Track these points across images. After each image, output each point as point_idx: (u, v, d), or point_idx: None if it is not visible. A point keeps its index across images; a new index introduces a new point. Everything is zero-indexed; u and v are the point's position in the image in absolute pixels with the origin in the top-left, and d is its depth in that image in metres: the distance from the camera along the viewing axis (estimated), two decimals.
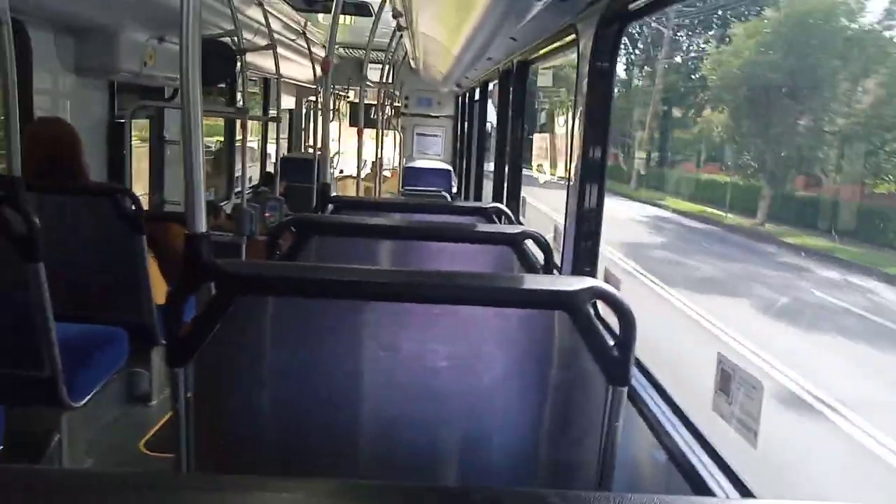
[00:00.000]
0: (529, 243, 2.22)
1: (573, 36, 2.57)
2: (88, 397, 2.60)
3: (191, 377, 1.32)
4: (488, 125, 7.21)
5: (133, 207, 2.96)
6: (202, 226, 1.33)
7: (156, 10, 3.68)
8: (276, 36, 5.55)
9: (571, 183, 2.61)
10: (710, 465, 1.60)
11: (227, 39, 4.71)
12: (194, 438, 1.36)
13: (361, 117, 5.22)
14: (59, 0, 3.36)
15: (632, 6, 2.10)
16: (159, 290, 3.18)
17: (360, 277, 1.41)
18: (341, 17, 6.27)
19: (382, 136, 7.45)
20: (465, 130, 8.38)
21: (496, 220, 2.72)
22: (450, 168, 9.22)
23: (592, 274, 2.55)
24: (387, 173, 10.59)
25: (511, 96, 4.45)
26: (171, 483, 0.76)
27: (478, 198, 6.96)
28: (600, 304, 1.40)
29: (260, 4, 5.00)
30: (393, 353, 1.41)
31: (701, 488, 1.57)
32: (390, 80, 8.09)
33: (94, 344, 2.73)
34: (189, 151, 1.32)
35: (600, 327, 1.35)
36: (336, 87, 10.29)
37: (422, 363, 1.40)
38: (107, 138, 4.31)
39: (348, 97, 11.34)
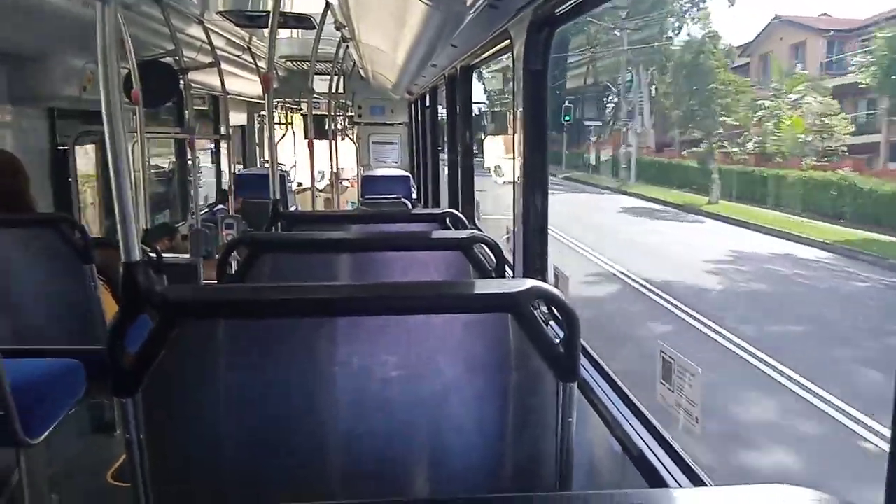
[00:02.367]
0: (481, 248, 2.26)
1: (508, 41, 2.62)
2: (46, 433, 2.54)
3: (139, 408, 1.32)
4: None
5: (79, 236, 2.90)
6: (136, 253, 1.33)
7: (88, 33, 3.62)
8: (220, 53, 5.50)
9: (517, 184, 2.66)
10: (661, 454, 1.66)
11: (168, 60, 4.65)
12: (151, 467, 1.35)
13: (311, 129, 5.21)
14: None
15: (558, 11, 2.17)
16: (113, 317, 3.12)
17: (304, 295, 1.42)
18: (287, 30, 6.26)
19: (336, 146, 7.43)
20: (420, 136, 8.41)
21: (451, 225, 2.76)
22: (408, 174, 9.24)
23: (542, 272, 2.60)
24: (347, 183, 10.56)
25: (458, 101, 4.50)
26: None
27: (436, 202, 7.00)
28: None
29: (201, 23, 4.95)
30: (347, 368, 1.42)
31: (653, 477, 1.62)
32: (341, 90, 8.06)
33: (48, 378, 2.67)
34: (117, 178, 1.32)
35: (544, 326, 1.39)
36: (287, 100, 10.23)
37: (376, 376, 1.42)
38: (50, 166, 4.22)
39: (301, 109, 11.27)
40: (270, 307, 1.38)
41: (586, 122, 23.34)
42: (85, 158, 4.92)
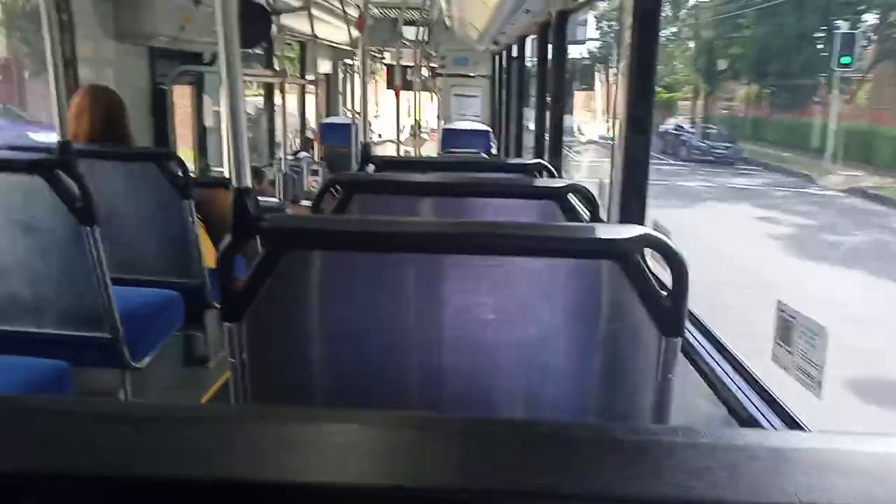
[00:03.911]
0: (575, 198, 2.17)
1: None
2: (149, 358, 2.68)
3: (244, 333, 1.34)
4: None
5: (180, 172, 2.99)
6: (248, 180, 1.33)
7: None
8: None
9: (619, 131, 2.53)
10: (771, 416, 1.56)
11: (262, 1, 4.68)
12: (252, 392, 1.38)
13: (398, 78, 5.17)
14: None
15: None
16: (208, 254, 3.24)
17: (405, 229, 1.40)
18: None
19: (419, 97, 7.37)
20: (504, 89, 8.23)
21: (539, 176, 2.67)
22: (489, 129, 9.11)
23: (641, 224, 2.49)
24: (425, 136, 10.54)
25: (551, 50, 4.32)
26: (230, 414, 0.77)
27: (518, 157, 6.88)
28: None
29: None
30: (440, 306, 1.40)
31: None
32: (426, 40, 7.96)
33: (150, 306, 2.80)
34: (233, 113, 1.32)
35: (651, 277, 1.31)
36: (371, 48, 10.21)
37: (468, 316, 1.39)
38: (150, 105, 4.37)
39: (384, 59, 11.23)
40: (373, 240, 1.37)
41: None
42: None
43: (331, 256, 1.39)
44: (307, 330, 1.41)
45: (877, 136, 10.96)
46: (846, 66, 10.81)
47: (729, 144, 15.23)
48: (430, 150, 10.41)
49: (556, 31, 4.23)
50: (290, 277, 1.35)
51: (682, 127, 17.12)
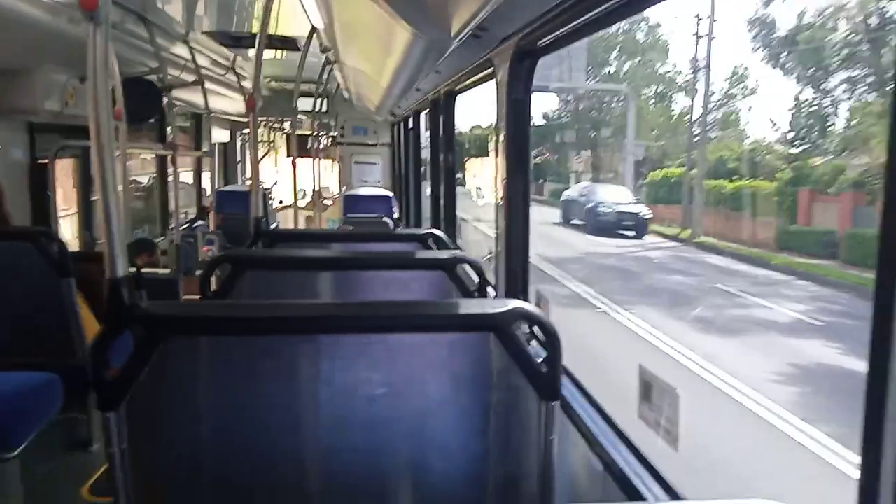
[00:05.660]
0: (463, 269, 2.29)
1: (491, 69, 2.69)
2: (22, 447, 2.51)
3: (122, 422, 1.32)
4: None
5: (57, 249, 2.89)
6: (122, 269, 1.34)
7: (72, 49, 3.63)
8: (204, 71, 5.53)
9: (499, 206, 2.71)
10: (641, 471, 1.69)
11: (152, 77, 4.66)
12: (134, 482, 1.35)
13: (294, 148, 5.25)
14: None
15: (540, 42, 2.23)
16: (91, 332, 3.10)
17: (287, 313, 1.44)
18: (272, 51, 6.31)
19: (319, 165, 7.46)
20: (403, 157, 8.48)
21: (433, 245, 2.78)
22: (390, 194, 9.27)
23: (524, 293, 2.64)
24: (328, 201, 10.57)
25: (441, 125, 4.56)
26: None
27: (418, 222, 7.04)
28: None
29: (185, 42, 4.98)
30: (329, 386, 1.44)
31: (633, 493, 1.65)
32: (324, 111, 8.11)
33: (26, 392, 2.65)
34: (104, 194, 1.33)
35: (526, 346, 1.43)
36: (270, 118, 10.25)
37: (359, 393, 1.44)
38: (29, 180, 4.19)
39: (284, 129, 11.28)
40: (254, 324, 1.40)
41: None
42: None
43: (211, 341, 1.40)
44: (189, 416, 1.40)
45: None
46: None
47: None
48: (334, 213, 10.44)
49: (444, 108, 4.47)
50: (170, 364, 1.35)
51: None
